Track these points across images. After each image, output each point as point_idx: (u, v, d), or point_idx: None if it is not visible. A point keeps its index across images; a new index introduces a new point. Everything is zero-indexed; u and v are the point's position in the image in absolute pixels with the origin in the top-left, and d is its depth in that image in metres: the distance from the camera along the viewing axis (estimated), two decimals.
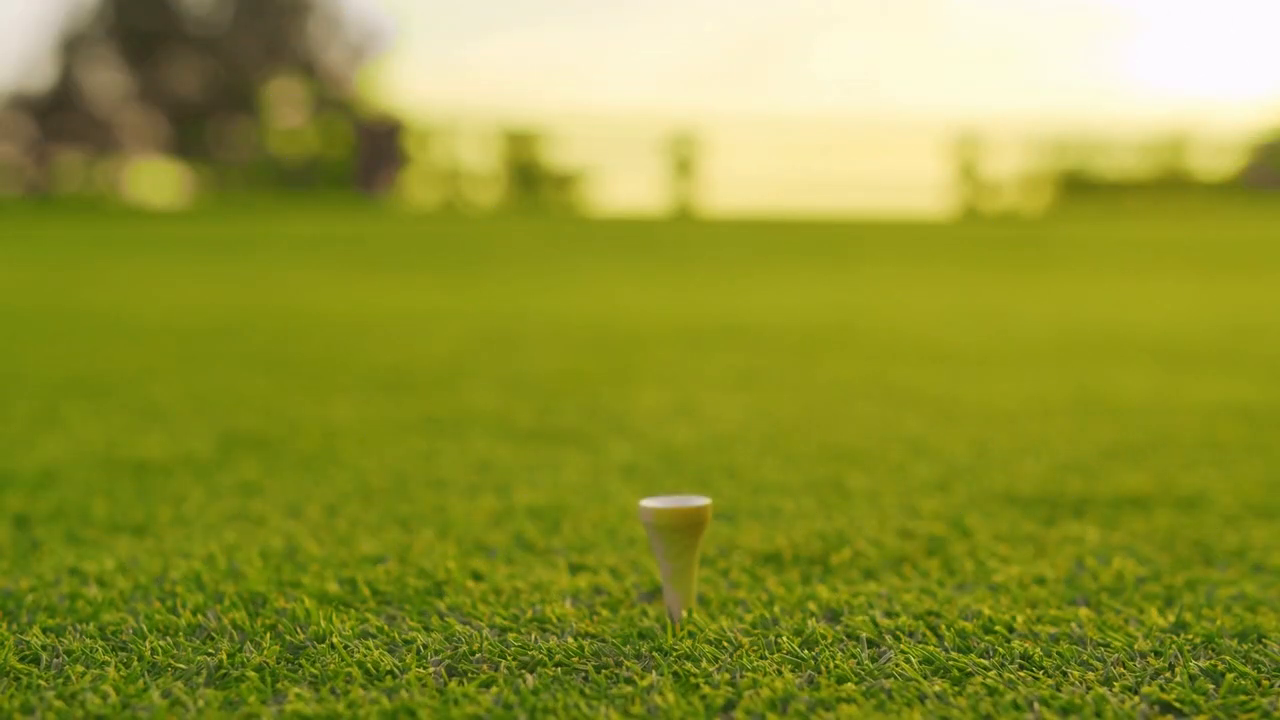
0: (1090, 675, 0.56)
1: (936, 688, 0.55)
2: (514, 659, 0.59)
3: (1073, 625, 0.63)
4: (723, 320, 2.25)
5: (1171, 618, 0.64)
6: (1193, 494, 0.94)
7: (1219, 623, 0.64)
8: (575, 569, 0.74)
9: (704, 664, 0.57)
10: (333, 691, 0.55)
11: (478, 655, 0.59)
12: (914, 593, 0.69)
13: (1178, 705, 0.53)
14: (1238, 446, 1.14)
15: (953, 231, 8.25)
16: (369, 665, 0.58)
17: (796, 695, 0.54)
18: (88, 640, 0.62)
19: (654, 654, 0.59)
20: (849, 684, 0.55)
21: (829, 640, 0.61)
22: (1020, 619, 0.64)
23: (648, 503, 0.60)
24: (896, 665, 0.57)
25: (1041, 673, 0.57)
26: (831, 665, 0.57)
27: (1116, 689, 0.55)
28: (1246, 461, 1.07)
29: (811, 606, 0.66)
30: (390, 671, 0.57)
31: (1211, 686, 0.55)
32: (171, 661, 0.58)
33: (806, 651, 0.59)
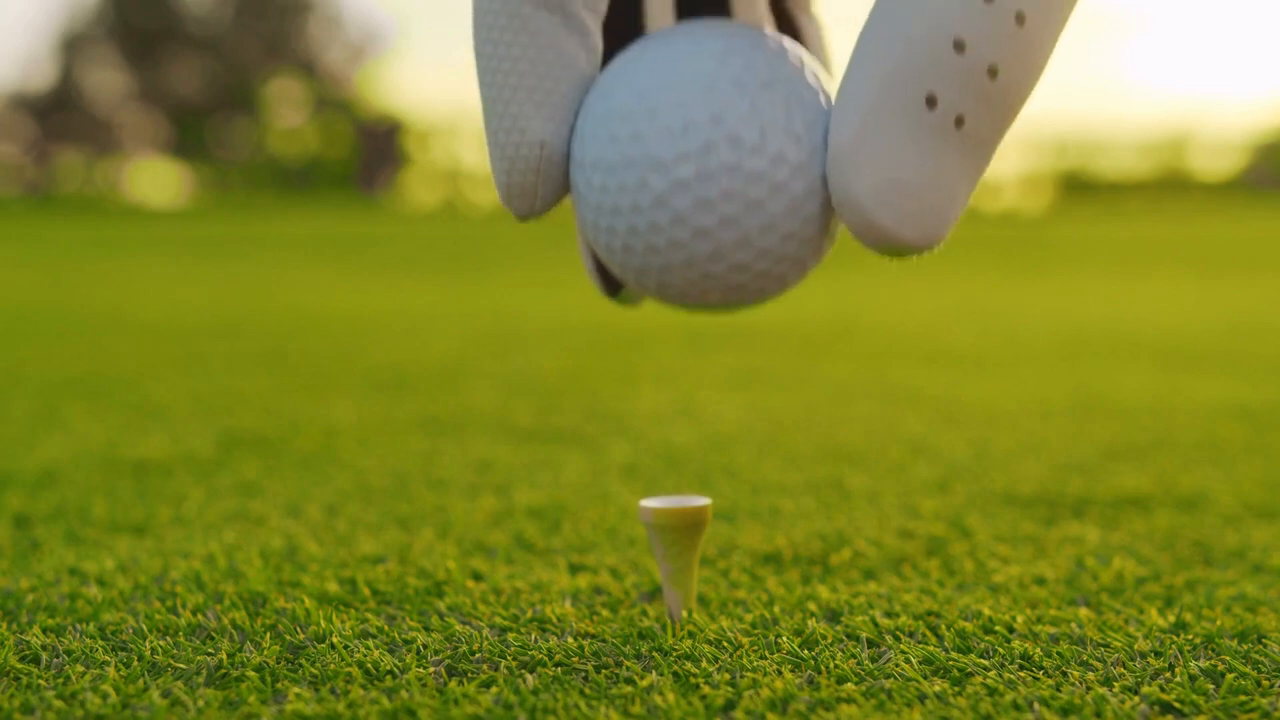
0: (1090, 675, 0.56)
1: (936, 688, 0.55)
2: (514, 659, 0.59)
3: (1073, 625, 0.63)
4: (722, 320, 2.26)
5: (1171, 618, 0.64)
6: (1193, 494, 0.94)
7: (1219, 623, 0.64)
8: (575, 569, 0.74)
9: (704, 664, 0.57)
10: (333, 691, 0.55)
11: (478, 655, 0.59)
12: (914, 593, 0.69)
13: (1178, 705, 0.53)
14: (1238, 446, 1.14)
15: (952, 231, 8.25)
16: (369, 665, 0.58)
17: (796, 695, 0.54)
18: (88, 640, 0.62)
19: (654, 654, 0.59)
20: (849, 684, 0.55)
21: (829, 640, 0.61)
22: (1020, 619, 0.64)
23: (647, 503, 0.60)
24: (896, 665, 0.57)
25: (1041, 673, 0.57)
26: (831, 665, 0.57)
27: (1116, 689, 0.55)
28: (1246, 461, 1.07)
29: (811, 606, 0.66)
30: (390, 671, 0.57)
31: (1211, 687, 0.55)
32: (171, 661, 0.58)
33: (806, 651, 0.59)
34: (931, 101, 0.47)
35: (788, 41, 0.54)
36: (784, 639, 0.61)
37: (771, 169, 0.51)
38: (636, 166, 0.52)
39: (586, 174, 0.53)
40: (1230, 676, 0.56)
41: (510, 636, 0.61)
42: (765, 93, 0.51)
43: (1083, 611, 0.66)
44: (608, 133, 0.52)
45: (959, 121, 0.47)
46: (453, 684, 0.55)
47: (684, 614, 0.61)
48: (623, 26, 0.58)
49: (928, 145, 0.47)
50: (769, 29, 0.55)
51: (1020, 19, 0.47)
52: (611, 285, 0.60)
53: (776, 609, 0.66)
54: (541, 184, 0.53)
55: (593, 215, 0.53)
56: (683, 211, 0.51)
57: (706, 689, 0.54)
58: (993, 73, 0.47)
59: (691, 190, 0.51)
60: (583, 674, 0.57)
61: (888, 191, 0.47)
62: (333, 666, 0.57)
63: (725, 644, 0.60)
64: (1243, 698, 0.54)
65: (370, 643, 0.61)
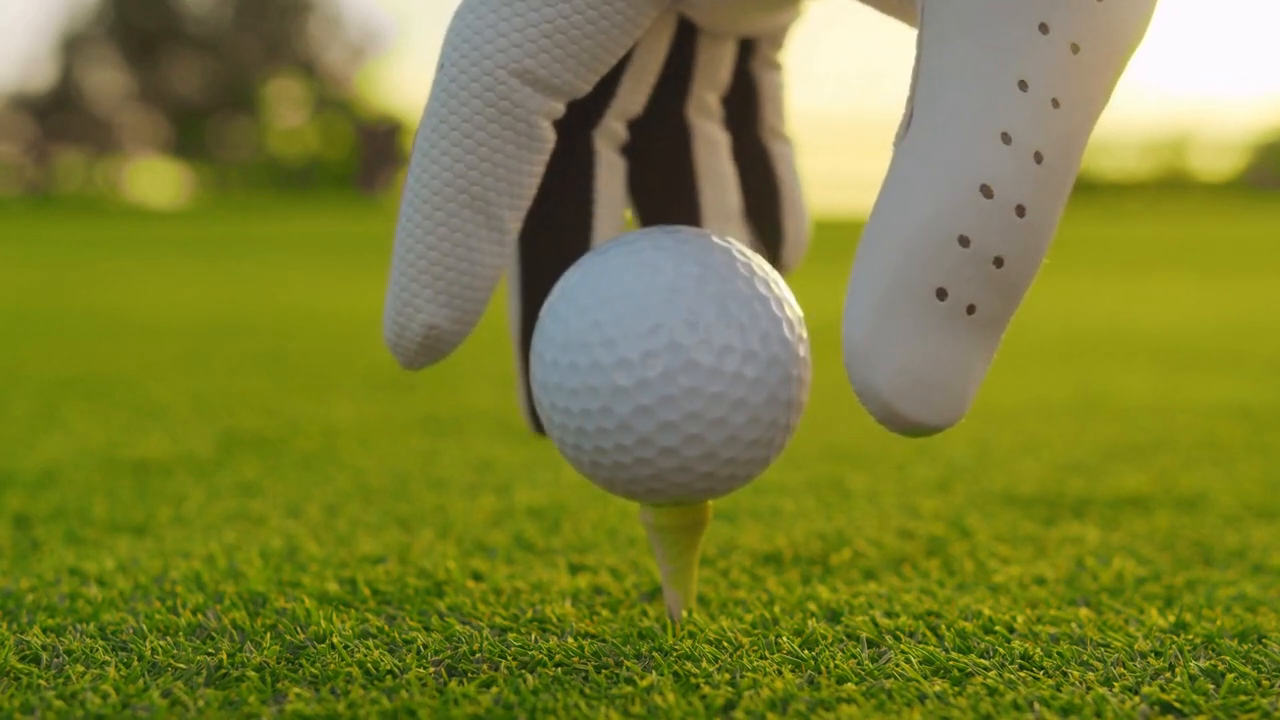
0: (1090, 675, 0.56)
1: (936, 688, 0.55)
2: (514, 659, 0.59)
3: (1073, 625, 0.63)
4: None
5: (1171, 618, 0.64)
6: (1193, 494, 0.94)
7: (1219, 623, 0.64)
8: (575, 569, 0.74)
9: (704, 664, 0.57)
10: (333, 691, 0.55)
11: (478, 655, 0.59)
12: (914, 593, 0.69)
13: (1178, 705, 0.53)
14: (1238, 446, 1.14)
15: None
16: (369, 665, 0.58)
17: (796, 695, 0.54)
18: (88, 640, 0.62)
19: (654, 654, 0.59)
20: (849, 684, 0.55)
21: (829, 640, 0.61)
22: (1020, 619, 0.64)
23: None
24: (896, 665, 0.57)
25: (1041, 673, 0.57)
26: (831, 665, 0.57)
27: (1116, 689, 0.55)
28: (1246, 461, 1.07)
29: (811, 606, 0.66)
30: (390, 671, 0.57)
31: (1211, 686, 0.55)
32: (171, 661, 0.58)
33: (806, 651, 0.59)
34: (941, 294, 0.48)
35: (736, 250, 0.56)
36: (784, 639, 0.61)
37: (730, 388, 0.54)
38: (599, 394, 0.54)
39: (551, 397, 0.55)
40: (1230, 676, 0.56)
41: (510, 636, 0.61)
42: (720, 320, 0.54)
43: (1083, 611, 0.65)
44: (568, 360, 0.55)
45: (970, 309, 0.49)
46: (453, 684, 0.55)
47: (684, 614, 0.61)
48: (571, 200, 0.60)
49: (941, 334, 0.48)
50: (717, 239, 0.57)
51: (1021, 211, 0.48)
52: (539, 425, 0.62)
53: (776, 609, 0.66)
54: (423, 356, 0.56)
55: (559, 433, 0.56)
56: (647, 434, 0.54)
57: (706, 689, 0.54)
58: (998, 262, 0.48)
59: (655, 415, 0.53)
60: (583, 674, 0.57)
61: (907, 382, 0.48)
62: (333, 666, 0.57)
63: (725, 644, 0.60)
64: (1243, 698, 0.54)
65: (370, 643, 0.61)
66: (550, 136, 0.54)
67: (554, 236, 0.60)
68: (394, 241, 0.55)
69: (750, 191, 0.64)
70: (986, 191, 0.47)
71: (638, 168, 0.62)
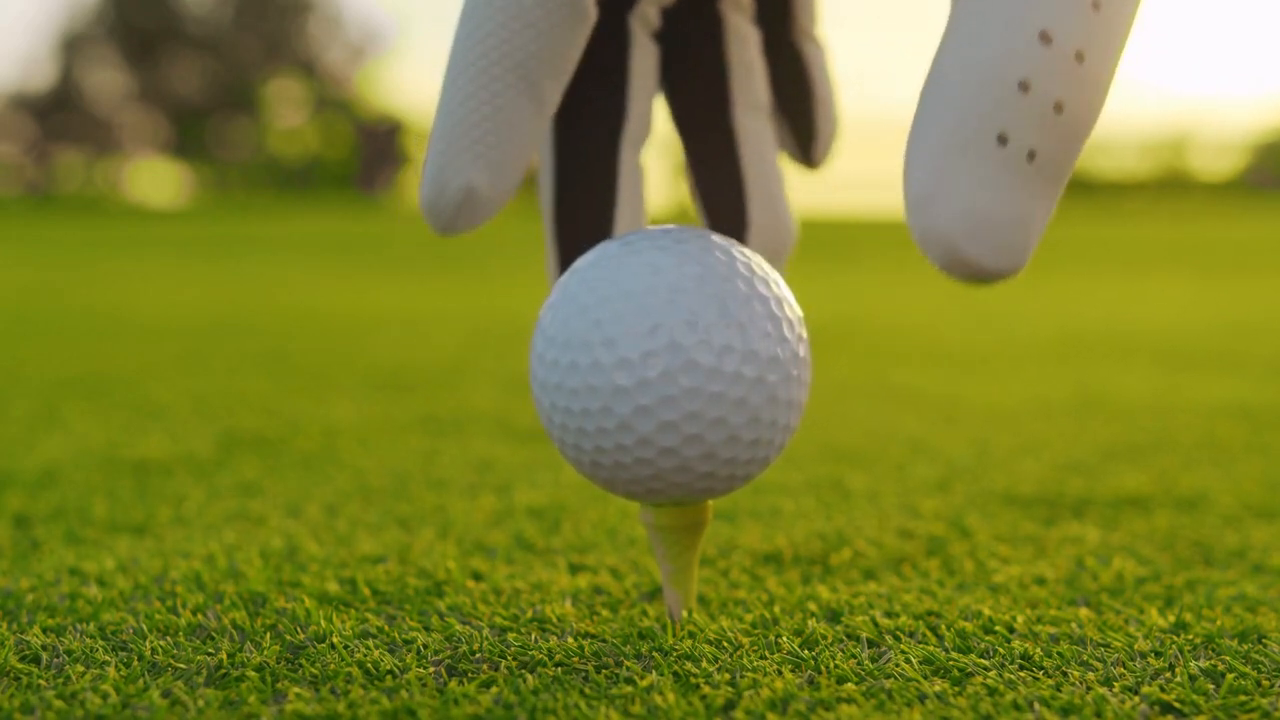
0: (1090, 675, 0.56)
1: (936, 688, 0.55)
2: (514, 659, 0.59)
3: (1073, 625, 0.63)
4: None
5: (1171, 618, 0.64)
6: (1193, 494, 0.94)
7: (1219, 623, 0.64)
8: (575, 569, 0.74)
9: (704, 664, 0.57)
10: (333, 691, 0.55)
11: (478, 655, 0.59)
12: (914, 593, 0.69)
13: (1178, 705, 0.53)
14: (1238, 446, 1.14)
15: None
16: (369, 665, 0.58)
17: (796, 695, 0.54)
18: (88, 640, 0.62)
19: (654, 654, 0.59)
20: (849, 684, 0.55)
21: (829, 640, 0.61)
22: (1020, 619, 0.64)
23: None
24: (896, 665, 0.57)
25: (1041, 673, 0.57)
26: (831, 665, 0.57)
27: (1116, 689, 0.55)
28: (1246, 461, 1.07)
29: (811, 606, 0.66)
30: (390, 671, 0.57)
31: (1211, 686, 0.55)
32: (171, 661, 0.58)
33: (806, 651, 0.59)
34: (1003, 140, 0.48)
35: (736, 250, 0.57)
36: (784, 639, 0.61)
37: (730, 388, 0.54)
38: (599, 394, 0.54)
39: (551, 396, 0.56)
40: (1230, 676, 0.56)
41: (510, 636, 0.61)
42: (720, 320, 0.54)
43: (1083, 611, 0.65)
44: (569, 360, 0.55)
45: (1031, 155, 0.49)
46: (453, 684, 0.55)
47: (684, 614, 0.61)
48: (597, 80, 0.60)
49: (1003, 180, 0.49)
50: (717, 238, 0.57)
51: (1080, 57, 0.49)
52: None
53: (776, 609, 0.66)
54: (461, 218, 0.56)
55: (559, 433, 0.56)
56: (647, 434, 0.54)
57: (706, 689, 0.54)
58: (1059, 108, 0.49)
59: (655, 415, 0.54)
60: (583, 674, 0.57)
61: (970, 225, 0.49)
62: (333, 666, 0.57)
63: (725, 644, 0.60)
64: (1243, 698, 0.54)
65: (370, 643, 0.61)
66: (593, 12, 0.56)
67: (588, 113, 0.61)
68: (436, 106, 0.56)
69: (781, 90, 0.65)
70: (1045, 38, 0.48)
71: (669, 56, 0.63)
